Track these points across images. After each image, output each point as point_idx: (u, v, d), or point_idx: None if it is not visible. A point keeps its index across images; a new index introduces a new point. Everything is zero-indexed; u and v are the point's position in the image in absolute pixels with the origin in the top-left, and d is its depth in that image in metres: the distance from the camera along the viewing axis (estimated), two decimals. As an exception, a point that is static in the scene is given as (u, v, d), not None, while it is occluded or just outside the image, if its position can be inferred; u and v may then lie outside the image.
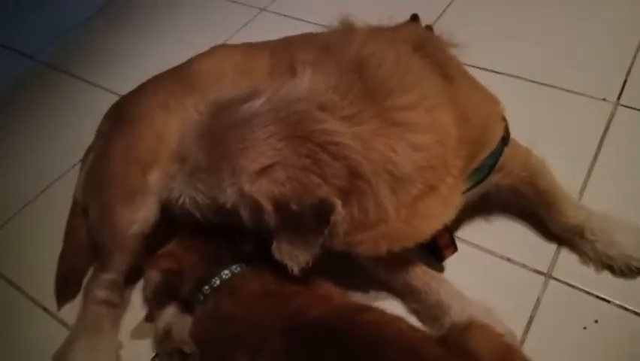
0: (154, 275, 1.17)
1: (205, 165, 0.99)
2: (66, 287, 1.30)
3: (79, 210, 1.38)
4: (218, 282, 1.03)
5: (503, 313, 1.05)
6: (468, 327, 0.87)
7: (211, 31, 1.48)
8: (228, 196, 0.96)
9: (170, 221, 1.13)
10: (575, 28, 1.69)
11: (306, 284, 0.99)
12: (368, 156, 0.95)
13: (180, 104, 1.29)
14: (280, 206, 0.92)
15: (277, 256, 0.95)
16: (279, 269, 0.97)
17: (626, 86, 1.48)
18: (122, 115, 1.36)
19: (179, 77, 1.36)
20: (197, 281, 1.04)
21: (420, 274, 1.09)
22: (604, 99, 1.46)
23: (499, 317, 1.04)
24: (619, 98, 1.46)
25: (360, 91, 0.98)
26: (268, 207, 0.93)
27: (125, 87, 1.47)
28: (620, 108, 1.43)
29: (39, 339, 1.24)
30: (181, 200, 1.03)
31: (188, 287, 1.05)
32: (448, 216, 1.05)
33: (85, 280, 1.29)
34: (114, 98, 1.50)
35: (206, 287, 1.03)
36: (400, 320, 0.91)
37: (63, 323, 1.26)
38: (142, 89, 1.40)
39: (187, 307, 1.09)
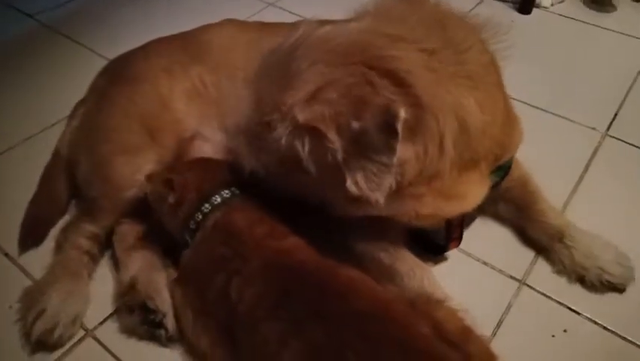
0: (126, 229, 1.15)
1: (255, 119, 0.93)
2: (31, 234, 1.26)
3: (59, 163, 1.34)
4: (218, 200, 1.01)
5: (473, 314, 1.04)
6: (434, 300, 0.88)
7: (215, 18, 1.49)
8: (280, 133, 0.87)
9: None
10: (577, 62, 1.76)
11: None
12: (441, 94, 0.86)
13: (185, 71, 1.26)
14: (341, 128, 0.83)
15: (356, 191, 0.85)
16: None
17: (616, 119, 1.53)
18: (122, 72, 1.31)
19: (186, 44, 1.34)
20: (199, 197, 1.02)
21: (407, 259, 1.07)
22: (594, 128, 1.50)
23: (477, 320, 1.02)
24: (608, 129, 1.50)
25: (441, 37, 0.92)
26: (329, 131, 0.83)
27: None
28: (607, 138, 1.47)
29: (-3, 283, 1.20)
30: (255, 171, 0.99)
31: (190, 203, 1.02)
32: (481, 195, 1.02)
33: (53, 231, 1.26)
34: (107, 64, 1.48)
35: (207, 205, 1.01)
36: (375, 282, 0.90)
37: (22, 270, 1.21)
38: (145, 49, 1.36)
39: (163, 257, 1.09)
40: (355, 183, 0.85)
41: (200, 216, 1.02)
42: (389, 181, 0.85)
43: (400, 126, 0.81)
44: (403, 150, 0.86)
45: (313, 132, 0.84)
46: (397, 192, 0.91)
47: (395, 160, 0.84)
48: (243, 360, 0.89)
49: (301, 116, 0.84)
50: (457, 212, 1.02)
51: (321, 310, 0.81)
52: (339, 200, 0.95)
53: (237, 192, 1.05)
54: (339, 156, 0.84)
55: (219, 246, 0.97)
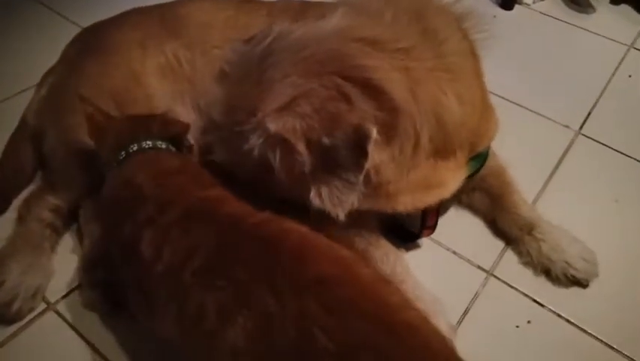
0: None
1: (228, 124, 0.91)
2: (-6, 202, 1.22)
3: (25, 132, 1.29)
4: (135, 148, 0.94)
5: (441, 302, 1.05)
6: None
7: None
8: (252, 144, 0.86)
9: None
10: (554, 60, 1.77)
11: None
12: (417, 94, 0.87)
13: (159, 47, 1.23)
14: (311, 142, 0.83)
15: (318, 203, 0.86)
16: None
17: (589, 118, 1.55)
18: (94, 42, 1.27)
19: (163, 18, 1.30)
20: (117, 141, 0.96)
21: (381, 244, 1.07)
22: (567, 126, 1.52)
23: (445, 308, 1.03)
24: (581, 128, 1.52)
25: (419, 30, 0.93)
26: (299, 144, 0.83)
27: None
28: (580, 137, 1.50)
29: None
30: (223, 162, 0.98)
31: (107, 148, 0.98)
32: (458, 181, 1.02)
33: (16, 201, 1.22)
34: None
35: (122, 152, 0.94)
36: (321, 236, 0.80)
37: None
38: (119, 20, 1.32)
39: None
40: (319, 195, 0.87)
41: (115, 165, 0.95)
42: (352, 199, 0.87)
43: (370, 147, 0.82)
44: (379, 154, 0.87)
45: (284, 143, 0.85)
46: (375, 191, 0.92)
47: (361, 179, 0.85)
48: (169, 332, 0.77)
49: (273, 126, 0.84)
50: (436, 200, 1.02)
51: (272, 278, 0.69)
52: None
53: (162, 145, 0.96)
54: (307, 168, 0.85)
55: (131, 192, 0.87)
